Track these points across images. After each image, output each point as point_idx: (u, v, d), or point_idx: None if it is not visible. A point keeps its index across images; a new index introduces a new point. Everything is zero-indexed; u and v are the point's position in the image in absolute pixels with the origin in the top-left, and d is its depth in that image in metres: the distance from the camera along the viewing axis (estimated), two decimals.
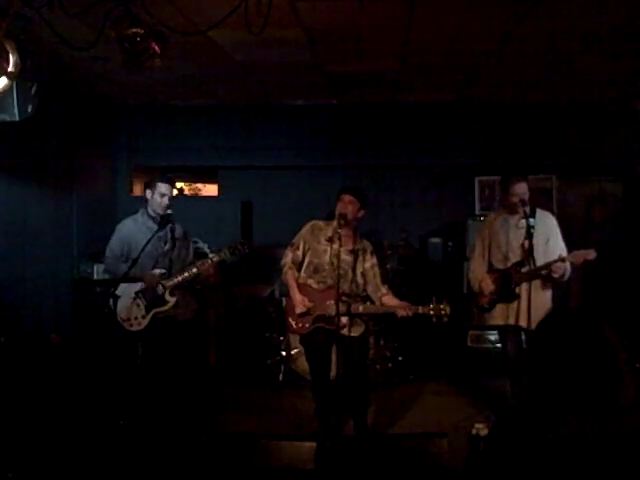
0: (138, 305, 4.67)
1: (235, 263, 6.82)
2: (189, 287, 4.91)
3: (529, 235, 4.42)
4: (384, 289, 4.41)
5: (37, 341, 4.79)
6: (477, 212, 7.14)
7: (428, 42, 4.69)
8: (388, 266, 6.10)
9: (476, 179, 7.26)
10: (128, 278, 4.58)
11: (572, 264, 4.38)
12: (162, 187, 4.69)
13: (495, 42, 4.64)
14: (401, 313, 4.14)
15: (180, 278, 4.67)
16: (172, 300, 4.68)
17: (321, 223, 4.51)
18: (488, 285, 4.69)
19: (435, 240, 7.02)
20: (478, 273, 4.80)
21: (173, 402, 4.78)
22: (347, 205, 4.32)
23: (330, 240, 4.34)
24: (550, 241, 4.56)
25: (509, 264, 4.60)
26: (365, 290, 4.45)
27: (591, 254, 4.26)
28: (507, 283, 4.55)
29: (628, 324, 5.37)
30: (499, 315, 4.66)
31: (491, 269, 4.74)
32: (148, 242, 4.51)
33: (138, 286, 4.68)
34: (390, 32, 4.42)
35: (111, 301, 4.72)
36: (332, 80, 6.00)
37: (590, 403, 1.70)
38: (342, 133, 7.19)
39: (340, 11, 3.95)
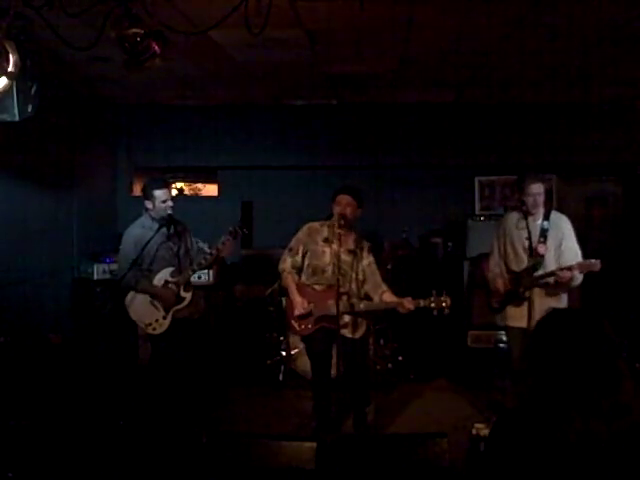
0: (157, 307, 4.59)
1: (235, 264, 6.85)
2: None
3: (543, 238, 4.39)
4: (384, 286, 4.42)
5: (37, 341, 4.78)
6: (477, 212, 7.13)
7: (428, 42, 4.69)
8: (388, 266, 6.09)
9: (476, 179, 7.25)
10: (142, 290, 4.58)
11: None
12: (160, 194, 4.59)
13: (495, 42, 4.64)
14: (403, 308, 4.15)
15: (191, 271, 4.65)
16: (188, 295, 4.64)
17: (316, 224, 4.51)
18: (500, 286, 4.67)
19: (435, 240, 7.02)
20: (494, 272, 4.78)
21: (173, 402, 4.78)
22: (346, 206, 4.34)
23: (327, 241, 4.36)
24: (563, 245, 4.51)
25: (522, 266, 4.58)
26: (364, 288, 4.45)
27: (596, 265, 4.22)
28: (517, 286, 4.53)
29: (628, 324, 5.37)
30: (511, 317, 4.62)
31: (508, 270, 4.71)
32: (149, 242, 4.49)
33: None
34: (390, 32, 4.42)
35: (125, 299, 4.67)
36: (332, 80, 6.00)
37: (590, 403, 1.70)
38: (342, 133, 7.19)
39: (340, 11, 3.94)
